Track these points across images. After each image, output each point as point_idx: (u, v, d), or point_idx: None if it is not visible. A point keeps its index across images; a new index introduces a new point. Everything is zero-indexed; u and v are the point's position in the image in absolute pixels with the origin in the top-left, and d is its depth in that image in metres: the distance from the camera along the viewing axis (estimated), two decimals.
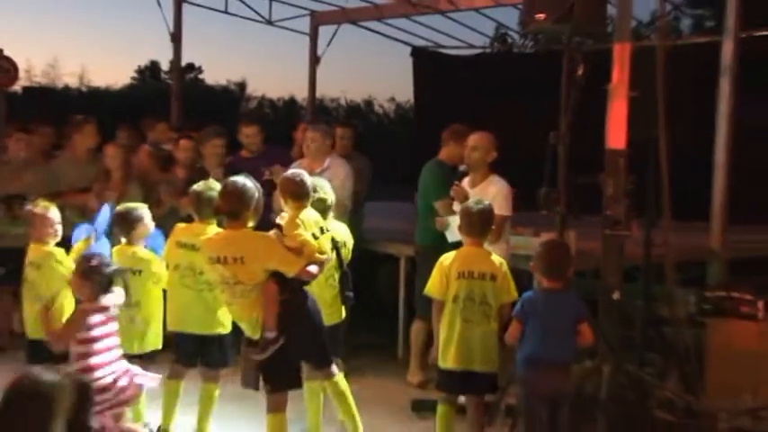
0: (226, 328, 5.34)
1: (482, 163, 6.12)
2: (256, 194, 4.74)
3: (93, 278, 4.78)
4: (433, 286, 4.93)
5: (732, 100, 7.29)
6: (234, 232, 4.66)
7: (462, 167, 6.12)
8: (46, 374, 2.97)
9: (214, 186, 5.38)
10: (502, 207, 5.95)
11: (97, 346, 4.68)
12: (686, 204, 6.54)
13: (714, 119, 7.39)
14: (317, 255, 4.74)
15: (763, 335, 6.49)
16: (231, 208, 4.66)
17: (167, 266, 5.46)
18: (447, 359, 4.87)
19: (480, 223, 4.96)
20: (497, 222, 5.92)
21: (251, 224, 4.74)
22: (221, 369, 5.42)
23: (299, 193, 4.95)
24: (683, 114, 7.63)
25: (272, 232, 4.85)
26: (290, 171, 5.28)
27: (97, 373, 4.58)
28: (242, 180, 4.76)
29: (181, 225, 5.51)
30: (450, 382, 4.92)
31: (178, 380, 5.43)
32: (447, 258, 4.94)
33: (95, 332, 4.69)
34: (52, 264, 5.49)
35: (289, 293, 4.65)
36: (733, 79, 7.29)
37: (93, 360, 4.63)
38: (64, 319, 5.52)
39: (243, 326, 4.83)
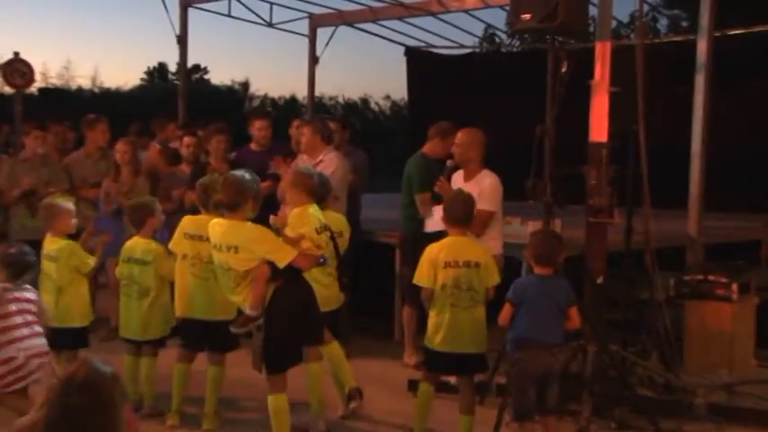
0: (231, 314, 5.30)
1: (468, 158, 6.06)
2: (254, 187, 4.72)
3: (7, 265, 4.74)
4: (421, 275, 4.89)
5: (707, 94, 7.28)
6: (231, 222, 4.64)
7: (449, 163, 6.08)
8: (104, 366, 2.95)
9: (219, 180, 5.35)
10: (487, 203, 5.89)
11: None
12: (664, 193, 6.54)
13: (689, 112, 7.39)
14: (313, 250, 4.73)
15: (738, 315, 6.51)
16: (230, 200, 4.64)
17: (176, 256, 5.44)
18: (436, 341, 4.85)
19: (464, 213, 4.92)
20: (481, 217, 5.88)
21: (250, 215, 4.71)
22: (227, 353, 5.40)
23: (311, 189, 4.97)
24: (661, 108, 7.63)
25: (272, 218, 4.83)
26: (304, 166, 5.26)
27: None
28: (241, 173, 4.75)
29: (188, 217, 5.49)
30: (439, 363, 4.90)
31: (187, 363, 5.41)
32: (434, 248, 4.90)
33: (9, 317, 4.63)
34: (66, 255, 5.47)
35: (282, 280, 4.62)
36: (707, 75, 7.28)
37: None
38: (80, 307, 5.54)
39: (236, 304, 4.83)
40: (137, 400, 5.57)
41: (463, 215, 4.90)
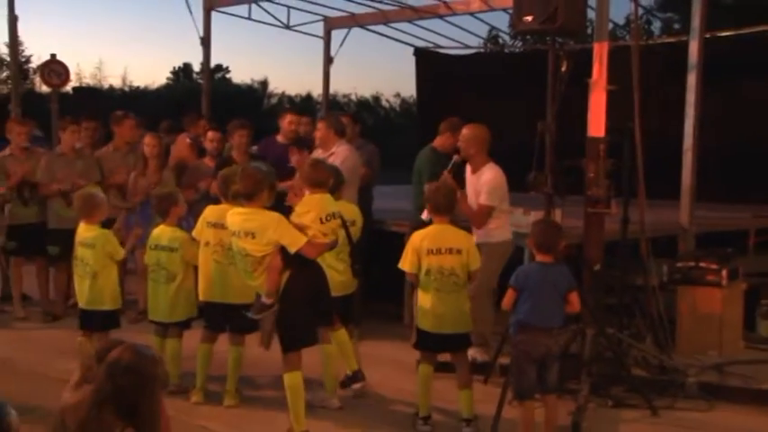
0: (250, 298, 5.30)
1: (471, 153, 6.01)
2: (270, 178, 4.73)
3: None
4: (404, 262, 4.89)
5: (698, 92, 7.24)
6: (249, 210, 4.66)
7: (456, 158, 6.04)
8: (146, 349, 2.95)
9: (237, 172, 5.36)
10: (485, 197, 5.86)
11: None
12: (658, 185, 6.51)
13: (681, 109, 7.35)
14: (319, 237, 4.71)
15: (727, 300, 6.49)
16: (247, 190, 4.67)
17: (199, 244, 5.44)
18: (425, 323, 4.87)
19: (445, 203, 4.91)
20: (481, 212, 5.87)
21: (266, 204, 4.72)
22: (247, 334, 5.39)
23: (315, 180, 4.96)
24: (655, 105, 7.58)
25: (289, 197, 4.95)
26: (312, 159, 5.26)
27: None
28: (258, 166, 4.79)
29: (210, 207, 5.48)
30: (428, 342, 4.91)
31: (209, 343, 5.41)
32: (418, 236, 4.89)
33: None
34: (102, 243, 5.47)
35: (295, 267, 4.63)
36: (699, 74, 7.24)
37: None
38: (112, 291, 5.55)
39: (253, 288, 4.83)
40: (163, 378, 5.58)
41: (445, 205, 4.90)
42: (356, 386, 5.03)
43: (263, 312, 4.70)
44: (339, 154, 6.56)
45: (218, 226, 5.25)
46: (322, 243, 4.73)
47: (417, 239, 4.86)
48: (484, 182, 5.89)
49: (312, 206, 4.87)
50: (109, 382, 2.82)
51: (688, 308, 6.54)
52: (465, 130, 6.05)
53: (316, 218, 4.80)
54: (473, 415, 4.83)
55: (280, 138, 7.51)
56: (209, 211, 5.39)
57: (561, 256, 4.70)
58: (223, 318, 5.35)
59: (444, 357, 5.11)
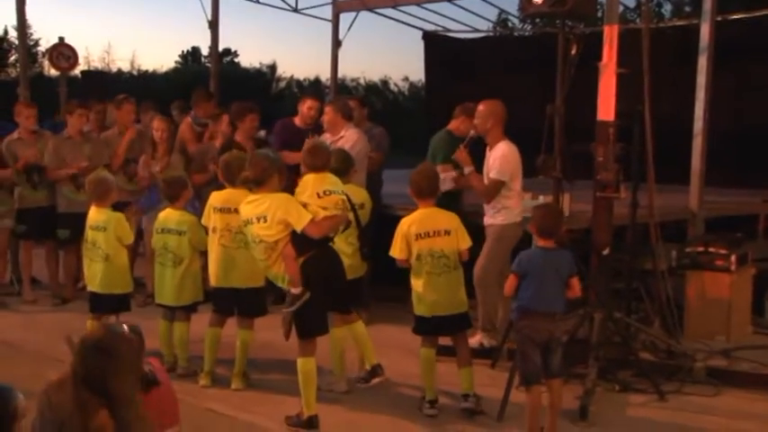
0: (259, 282, 5.31)
1: (485, 129, 5.97)
2: (278, 164, 4.74)
3: None
4: (394, 249, 4.91)
5: (708, 76, 7.18)
6: (258, 196, 4.67)
7: (472, 133, 6.00)
8: (118, 328, 2.98)
9: (241, 156, 5.36)
10: (495, 172, 5.85)
11: None
12: (668, 169, 6.47)
13: (691, 93, 7.29)
14: (320, 214, 4.69)
15: (735, 285, 6.46)
16: (257, 177, 4.67)
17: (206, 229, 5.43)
18: (421, 308, 4.90)
19: (427, 187, 4.92)
20: (490, 185, 5.86)
21: (276, 189, 4.71)
22: (255, 318, 5.40)
23: (312, 165, 4.94)
24: (666, 89, 7.52)
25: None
26: (310, 143, 5.24)
27: None
28: (266, 152, 4.79)
29: (215, 192, 5.46)
30: (427, 327, 4.93)
31: (218, 327, 5.41)
32: (405, 222, 4.90)
33: None
34: (113, 226, 5.47)
35: (308, 254, 4.62)
36: (709, 57, 7.17)
37: None
38: (123, 275, 5.56)
39: (270, 278, 4.84)
40: (171, 361, 5.60)
41: (427, 188, 4.92)
42: (376, 380, 4.98)
43: (297, 303, 4.64)
44: (348, 138, 6.54)
45: (225, 210, 5.24)
46: (326, 220, 4.70)
47: (405, 225, 4.87)
48: (495, 157, 5.88)
49: (309, 184, 4.85)
50: (79, 361, 2.86)
51: (696, 293, 6.51)
52: (480, 106, 6.01)
53: (312, 193, 4.78)
54: (473, 391, 4.88)
55: (297, 121, 7.47)
56: (215, 197, 5.38)
57: (564, 241, 4.68)
58: (231, 302, 5.34)
59: (445, 341, 5.10)
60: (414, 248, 4.82)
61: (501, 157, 5.88)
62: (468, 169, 5.92)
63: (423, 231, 4.82)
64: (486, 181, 5.94)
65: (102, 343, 2.91)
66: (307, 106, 7.40)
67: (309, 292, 4.61)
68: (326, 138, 6.56)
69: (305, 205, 4.68)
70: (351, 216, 5.03)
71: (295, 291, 4.60)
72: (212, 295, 5.53)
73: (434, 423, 4.81)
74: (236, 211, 5.07)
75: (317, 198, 4.79)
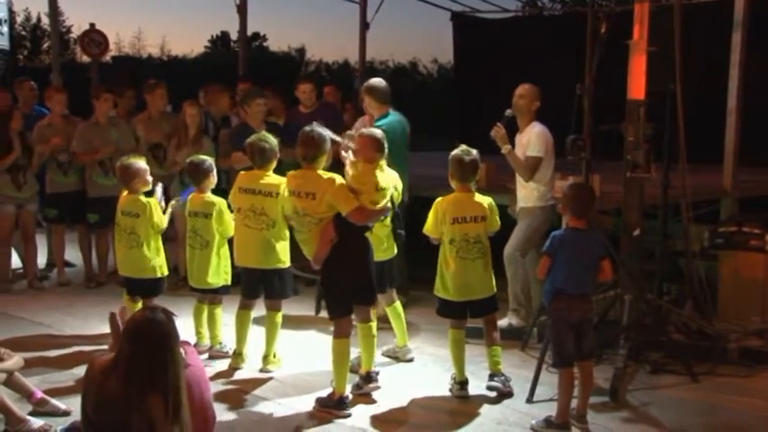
0: (284, 263, 5.33)
1: (526, 110, 5.97)
2: (328, 142, 4.82)
3: None
4: (428, 226, 4.95)
5: (743, 52, 7.05)
6: (309, 172, 4.74)
7: (508, 112, 5.97)
8: (163, 317, 3.05)
9: (265, 138, 5.38)
10: (533, 149, 5.87)
11: None
12: (701, 148, 6.37)
13: (725, 70, 7.17)
14: (367, 204, 4.72)
15: None
16: (307, 153, 4.74)
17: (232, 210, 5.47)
18: (447, 291, 4.90)
19: (471, 171, 4.90)
20: (529, 163, 5.88)
21: (323, 167, 4.82)
22: (282, 299, 5.43)
23: (371, 158, 4.87)
24: (698, 66, 7.40)
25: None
26: (372, 130, 5.15)
27: None
28: (317, 129, 4.82)
29: (242, 173, 5.49)
30: (451, 310, 4.95)
31: (247, 310, 5.45)
32: (441, 204, 4.91)
33: None
34: (148, 212, 5.52)
35: (342, 237, 4.65)
36: (744, 32, 7.04)
37: None
38: (156, 259, 5.61)
39: (305, 251, 4.87)
40: (204, 344, 5.66)
41: (471, 173, 4.89)
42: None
43: (304, 272, 4.88)
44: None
45: (250, 191, 5.28)
46: (372, 209, 4.75)
47: (441, 207, 4.90)
48: (533, 135, 5.90)
49: (369, 176, 4.81)
50: (131, 352, 2.95)
51: (730, 273, 6.44)
52: (521, 87, 6.03)
53: (372, 188, 4.78)
54: (500, 370, 4.92)
55: (301, 108, 7.48)
56: (242, 177, 5.40)
57: (596, 222, 4.65)
58: (257, 283, 5.37)
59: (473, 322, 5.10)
60: (447, 231, 4.84)
61: (535, 135, 5.91)
62: (506, 147, 5.90)
63: (459, 216, 4.84)
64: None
65: (153, 334, 3.01)
66: (301, 91, 7.41)
67: (330, 274, 4.70)
68: (365, 121, 6.55)
69: (360, 193, 4.71)
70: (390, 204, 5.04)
71: (315, 266, 4.75)
72: (238, 276, 5.58)
73: (464, 404, 4.82)
74: (261, 192, 5.21)
75: (374, 191, 4.80)
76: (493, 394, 4.87)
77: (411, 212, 6.49)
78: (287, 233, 5.33)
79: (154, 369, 2.94)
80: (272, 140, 5.39)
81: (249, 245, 5.31)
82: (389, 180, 4.96)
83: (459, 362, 4.94)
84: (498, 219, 4.98)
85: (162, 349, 2.98)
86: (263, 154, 5.29)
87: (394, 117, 6.25)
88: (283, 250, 5.31)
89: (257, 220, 5.24)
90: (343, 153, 5.08)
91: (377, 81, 6.37)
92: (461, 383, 4.93)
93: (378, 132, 5.00)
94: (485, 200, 4.94)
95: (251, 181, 5.29)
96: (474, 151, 4.96)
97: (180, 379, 3.00)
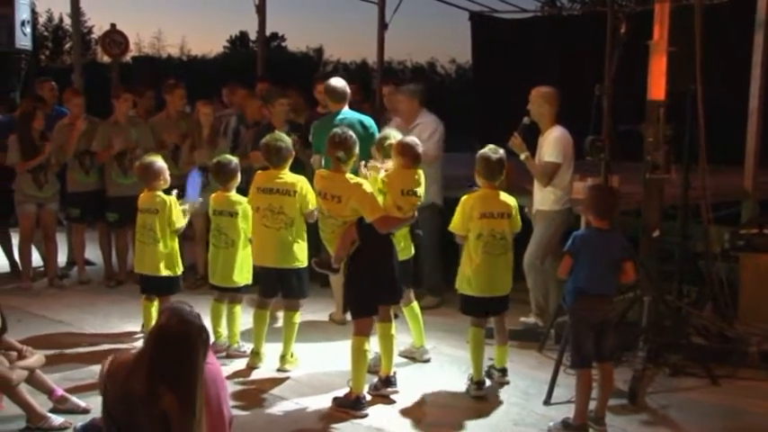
0: (302, 263, 5.35)
1: (540, 114, 5.93)
2: (358, 144, 4.84)
3: None
4: (455, 223, 5.00)
5: (765, 52, 6.98)
6: (337, 174, 4.76)
7: (525, 119, 5.94)
8: (190, 317, 3.06)
9: (280, 137, 5.40)
10: (550, 155, 5.83)
11: None
12: (721, 149, 6.31)
13: (746, 71, 7.10)
14: (394, 212, 4.77)
15: None
16: (338, 154, 4.75)
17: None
18: (472, 287, 4.93)
19: (498, 169, 4.93)
20: (545, 168, 5.85)
21: (351, 168, 4.84)
22: (300, 299, 5.44)
23: (408, 163, 4.95)
24: (719, 66, 7.34)
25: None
26: (409, 138, 5.16)
27: None
28: (347, 131, 4.85)
29: (260, 172, 5.50)
30: (476, 307, 4.98)
31: (264, 309, 5.46)
32: (468, 200, 4.95)
33: None
34: (167, 210, 5.55)
35: (365, 240, 4.68)
36: (766, 32, 6.96)
37: None
38: (174, 257, 5.63)
39: (328, 248, 4.90)
40: (222, 342, 5.68)
41: (498, 171, 4.92)
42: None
43: (323, 269, 4.96)
44: (425, 126, 6.54)
45: (267, 191, 5.29)
46: (396, 218, 4.80)
47: (468, 203, 4.93)
48: (550, 140, 5.86)
49: (397, 179, 4.89)
50: (155, 352, 2.97)
51: (751, 275, 6.37)
52: (533, 92, 5.97)
53: (398, 191, 4.84)
54: (505, 367, 5.08)
55: (320, 109, 7.47)
56: (259, 177, 5.42)
57: (615, 222, 4.63)
58: (274, 282, 5.39)
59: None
60: (475, 227, 4.89)
61: (552, 140, 5.86)
62: (523, 155, 5.87)
63: (487, 211, 4.89)
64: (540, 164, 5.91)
65: (180, 335, 3.01)
66: (318, 91, 7.38)
67: (353, 275, 4.74)
68: (397, 123, 6.56)
69: (383, 192, 4.78)
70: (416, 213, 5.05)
71: (334, 265, 4.80)
72: (256, 275, 5.59)
73: (481, 405, 4.80)
74: (279, 191, 5.24)
75: (399, 195, 4.84)
76: (507, 392, 4.92)
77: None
78: (305, 233, 5.35)
79: (178, 369, 2.95)
80: (287, 139, 5.41)
81: (267, 244, 5.32)
82: (420, 186, 4.99)
83: (478, 361, 4.94)
84: (520, 220, 5.04)
85: (189, 351, 2.99)
86: (280, 153, 5.31)
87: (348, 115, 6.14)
88: (301, 250, 5.32)
89: (275, 219, 5.26)
90: (363, 171, 5.07)
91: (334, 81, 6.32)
92: (479, 383, 4.93)
93: (412, 140, 5.07)
94: (510, 199, 5.00)
95: (268, 180, 5.32)
96: (501, 150, 5.02)
97: (199, 379, 3.02)
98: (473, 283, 4.92)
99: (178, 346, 2.98)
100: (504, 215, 4.90)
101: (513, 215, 4.95)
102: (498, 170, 4.93)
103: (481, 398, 4.88)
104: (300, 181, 5.31)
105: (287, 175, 5.32)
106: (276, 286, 5.41)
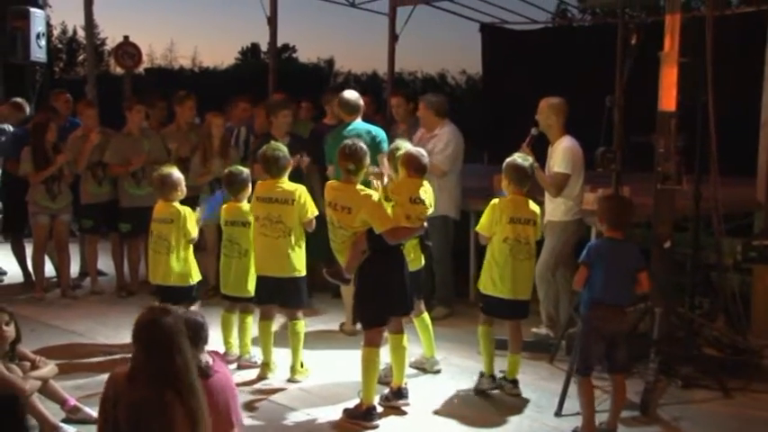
0: (300, 272, 5.35)
1: (548, 125, 5.95)
2: (368, 156, 4.87)
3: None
4: (482, 224, 5.09)
5: None
6: (348, 185, 4.79)
7: (533, 130, 5.95)
8: (159, 313, 3.09)
9: (277, 147, 5.43)
10: (560, 165, 5.84)
11: None
12: (733, 161, 6.30)
13: (758, 82, 7.08)
14: (402, 221, 4.81)
15: None
16: (348, 166, 4.78)
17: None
18: (495, 287, 5.00)
19: (527, 177, 5.09)
20: (554, 179, 5.85)
21: (361, 180, 4.86)
22: (299, 308, 5.43)
23: (415, 171, 5.06)
24: (730, 78, 7.33)
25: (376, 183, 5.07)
26: (416, 149, 5.24)
27: None
28: (358, 143, 4.87)
29: (260, 182, 5.52)
30: (500, 308, 5.05)
31: (268, 320, 5.47)
32: (499, 203, 5.04)
33: None
34: (182, 220, 5.57)
35: (375, 250, 4.70)
36: None
37: None
38: (188, 267, 5.65)
39: (339, 259, 4.91)
40: (233, 353, 5.69)
41: (527, 178, 5.09)
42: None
43: (335, 279, 4.99)
44: (442, 137, 6.57)
45: (266, 200, 5.31)
46: (406, 228, 4.83)
47: (498, 206, 5.03)
48: (560, 151, 5.87)
49: (405, 187, 5.01)
50: (135, 343, 3.05)
51: (764, 287, 6.34)
52: (542, 103, 5.99)
53: (406, 199, 4.92)
54: (516, 379, 5.09)
55: (327, 120, 7.49)
56: (259, 187, 5.44)
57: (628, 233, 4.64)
58: (272, 291, 5.38)
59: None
60: (502, 231, 4.99)
61: (561, 151, 5.86)
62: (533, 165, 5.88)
63: (516, 216, 5.00)
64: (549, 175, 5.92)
65: (148, 321, 3.09)
66: (326, 102, 7.40)
67: (364, 286, 4.76)
68: (419, 136, 6.59)
69: (394, 204, 4.84)
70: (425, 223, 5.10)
71: (346, 275, 4.82)
72: (255, 285, 5.56)
73: (492, 416, 4.79)
74: (277, 200, 5.27)
75: (408, 203, 4.90)
76: (518, 403, 4.92)
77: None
78: (303, 242, 5.36)
79: (164, 367, 2.97)
80: (284, 149, 5.44)
81: (265, 253, 5.34)
82: (429, 196, 5.08)
83: (489, 355, 5.10)
84: (540, 229, 5.16)
85: (167, 347, 3.01)
86: (278, 163, 5.33)
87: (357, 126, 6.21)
88: (299, 259, 5.33)
89: (274, 228, 5.27)
90: (373, 180, 5.15)
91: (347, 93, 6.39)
92: (491, 377, 5.07)
93: (418, 152, 5.14)
94: (536, 207, 5.12)
95: (267, 189, 5.34)
96: (530, 157, 5.14)
97: (191, 373, 3.02)
98: (498, 285, 4.99)
99: (155, 345, 3.03)
100: (531, 222, 5.02)
101: (537, 223, 5.07)
102: (527, 177, 5.07)
103: (492, 390, 5.04)
104: (299, 189, 5.32)
105: (286, 184, 5.34)
106: (273, 295, 5.39)
